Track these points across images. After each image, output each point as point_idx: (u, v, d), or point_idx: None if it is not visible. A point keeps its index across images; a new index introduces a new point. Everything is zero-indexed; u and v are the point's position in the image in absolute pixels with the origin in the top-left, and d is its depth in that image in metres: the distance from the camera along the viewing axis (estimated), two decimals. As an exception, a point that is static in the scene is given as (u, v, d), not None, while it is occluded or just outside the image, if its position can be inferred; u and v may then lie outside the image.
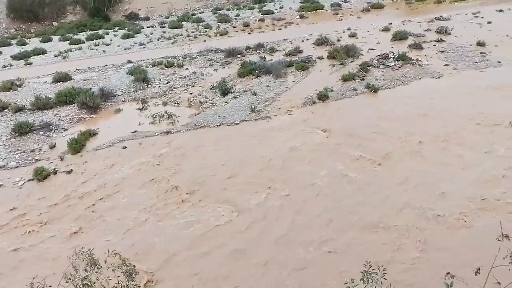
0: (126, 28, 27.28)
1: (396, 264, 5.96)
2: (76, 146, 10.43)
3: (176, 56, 18.66)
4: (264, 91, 13.65)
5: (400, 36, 18.37)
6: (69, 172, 9.50)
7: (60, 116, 12.81)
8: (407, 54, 15.37)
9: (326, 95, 12.68)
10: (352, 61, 15.68)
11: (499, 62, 14.44)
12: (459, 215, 6.92)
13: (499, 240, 4.50)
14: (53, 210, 8.06)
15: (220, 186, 8.42)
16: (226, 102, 13.06)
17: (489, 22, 20.10)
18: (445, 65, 14.66)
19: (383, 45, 17.53)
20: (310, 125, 10.94)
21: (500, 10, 22.89)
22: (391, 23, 21.56)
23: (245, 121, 11.62)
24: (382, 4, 29.09)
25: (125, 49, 21.96)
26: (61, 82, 15.92)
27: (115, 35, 25.70)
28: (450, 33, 18.57)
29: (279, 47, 19.22)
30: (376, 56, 16.01)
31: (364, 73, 14.32)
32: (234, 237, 6.89)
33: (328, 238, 6.68)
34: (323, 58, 16.47)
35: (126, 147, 10.45)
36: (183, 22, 28.07)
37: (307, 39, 20.08)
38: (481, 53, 15.50)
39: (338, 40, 19.04)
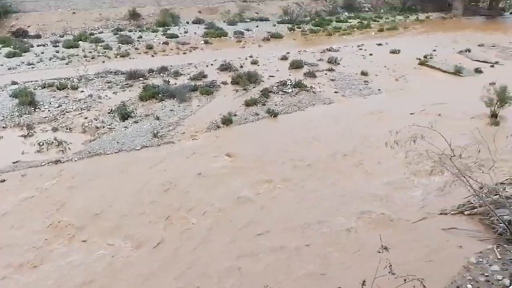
0: (12, 46, 24.54)
1: (291, 282, 6.21)
2: None
3: (70, 78, 17.33)
4: (168, 116, 13.41)
5: (296, 65, 19.78)
6: None
7: None
8: (302, 82, 16.59)
9: (230, 119, 12.95)
10: (254, 87, 16.35)
11: (379, 90, 16.43)
12: (346, 231, 7.53)
13: (379, 252, 4.99)
14: None
15: (116, 219, 7.90)
16: (126, 127, 12.48)
17: (371, 54, 22.84)
18: (335, 92, 16.15)
19: (281, 73, 18.66)
20: (215, 150, 11.01)
21: (379, 44, 26.22)
22: (289, 53, 23.10)
23: (147, 146, 11.23)
24: (281, 34, 31.09)
25: (9, 69, 19.67)
26: None
27: (-3, 53, 22.92)
28: (339, 63, 20.58)
29: (183, 71, 19.17)
30: (276, 83, 16.94)
31: (265, 98, 15.02)
32: (132, 277, 6.46)
33: (233, 266, 6.68)
34: (227, 83, 16.88)
35: (4, 180, 9.22)
36: (80, 42, 26.30)
37: (212, 64, 20.42)
38: (364, 81, 17.46)
39: (241, 67, 19.73)
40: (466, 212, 7.88)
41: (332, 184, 9.24)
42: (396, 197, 8.62)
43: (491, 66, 20.01)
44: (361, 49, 24.70)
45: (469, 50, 23.55)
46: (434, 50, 23.47)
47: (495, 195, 7.60)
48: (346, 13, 42.49)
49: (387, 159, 9.67)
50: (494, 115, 12.57)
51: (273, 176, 9.57)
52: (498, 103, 12.44)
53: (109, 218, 7.90)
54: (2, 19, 30.36)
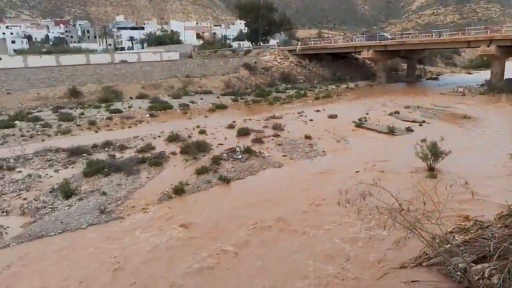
0: None
1: None
2: None
3: (5, 158, 16.26)
4: (115, 190, 12.85)
5: (243, 132, 20.44)
6: None
7: None
8: (251, 148, 17.05)
9: (182, 189, 12.71)
10: (204, 156, 16.45)
11: (324, 151, 17.29)
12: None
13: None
14: None
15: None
16: (69, 206, 11.69)
17: (311, 120, 24.36)
18: (283, 156, 16.72)
19: (230, 140, 19.09)
20: (167, 221, 10.58)
21: (318, 111, 28.15)
22: (235, 121, 23.94)
23: (94, 224, 10.51)
24: (225, 105, 32.40)
25: None
26: None
27: None
28: (283, 129, 21.61)
29: (129, 144, 18.88)
30: (225, 150, 17.22)
31: (216, 166, 15.10)
32: None
33: None
34: (176, 154, 16.82)
35: None
36: (16, 122, 25.19)
37: (159, 136, 20.40)
38: (309, 144, 18.36)
39: (189, 137, 19.93)
40: (424, 264, 8.06)
41: (289, 245, 9.14)
42: (355, 255, 8.71)
43: (419, 125, 22.15)
44: (301, 115, 26.30)
45: (397, 112, 26.07)
46: (367, 114, 25.65)
47: (447, 244, 7.95)
48: (284, 85, 45.67)
49: (341, 217, 9.90)
50: (431, 169, 13.64)
51: (230, 243, 9.30)
52: (432, 157, 13.59)
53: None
54: None
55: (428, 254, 8.18)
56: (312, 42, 58.68)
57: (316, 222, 10.29)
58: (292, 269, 8.13)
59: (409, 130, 20.69)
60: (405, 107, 28.35)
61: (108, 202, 11.86)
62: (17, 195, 12.61)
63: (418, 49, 48.73)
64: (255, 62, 49.60)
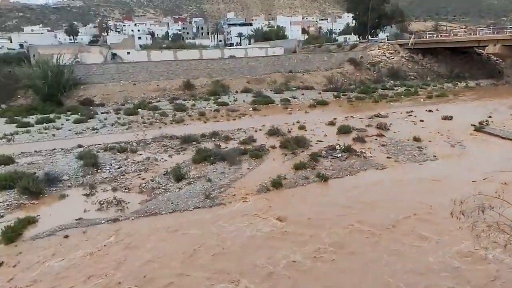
0: (79, 113, 27.07)
1: None
2: (11, 235, 9.47)
3: (130, 142, 18.54)
4: (219, 178, 13.69)
5: (344, 130, 19.85)
6: (-1, 264, 8.44)
7: (-4, 202, 11.77)
8: (352, 147, 16.47)
9: (279, 182, 12.95)
10: (302, 151, 16.47)
11: (435, 156, 15.84)
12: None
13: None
14: (-29, 312, 6.93)
15: (170, 281, 7.82)
16: (179, 188, 12.84)
17: (422, 120, 22.49)
18: (387, 157, 15.79)
19: (330, 138, 18.75)
20: (265, 213, 10.91)
21: (430, 111, 25.85)
22: (336, 118, 23.37)
23: (199, 208, 11.38)
24: (326, 101, 31.83)
25: (76, 134, 21.53)
26: (2, 166, 14.95)
27: (67, 120, 25.32)
28: (389, 129, 20.38)
29: (233, 135, 19.87)
30: (324, 147, 16.97)
31: (315, 162, 14.98)
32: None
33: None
34: (276, 148, 17.17)
35: (68, 236, 9.66)
36: (139, 110, 28.52)
37: (260, 129, 21.05)
38: (418, 147, 17.00)
39: (289, 132, 20.14)
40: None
41: (392, 254, 8.65)
42: (468, 272, 7.86)
43: (556, 133, 18.87)
44: (410, 115, 24.45)
45: (528, 116, 22.53)
46: (490, 117, 22.71)
47: None
48: (392, 81, 42.99)
49: (452, 230, 9.01)
50: None
51: (324, 242, 9.18)
52: None
53: (163, 280, 7.83)
54: (72, 89, 33.91)
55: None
56: (428, 36, 53.89)
57: (418, 232, 9.53)
58: (394, 281, 7.66)
59: (543, 138, 17.74)
60: (539, 111, 24.35)
61: (213, 188, 12.70)
62: (137, 175, 14.30)
63: (561, 42, 41.15)
64: (361, 57, 47.63)
